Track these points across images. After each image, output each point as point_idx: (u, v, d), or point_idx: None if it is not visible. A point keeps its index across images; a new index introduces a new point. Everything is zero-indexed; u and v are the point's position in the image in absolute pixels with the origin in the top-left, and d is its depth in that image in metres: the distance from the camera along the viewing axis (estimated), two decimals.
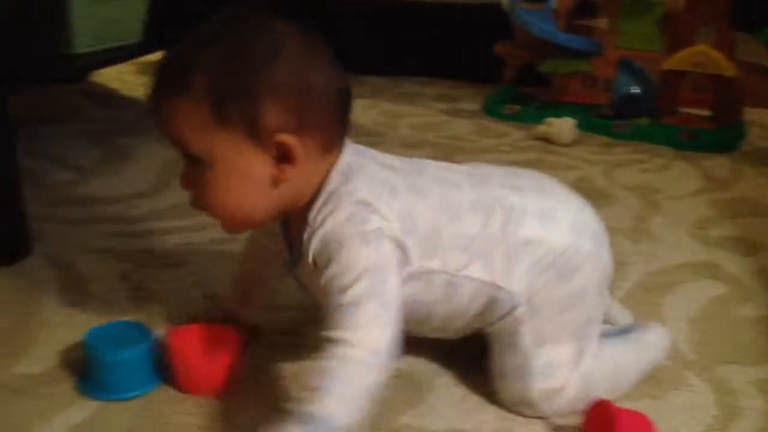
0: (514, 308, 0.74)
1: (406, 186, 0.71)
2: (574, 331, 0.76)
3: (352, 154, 0.71)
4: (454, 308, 0.75)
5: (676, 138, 1.70)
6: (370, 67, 2.27)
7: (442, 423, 0.77)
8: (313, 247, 0.67)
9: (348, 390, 0.61)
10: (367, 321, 0.64)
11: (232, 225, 0.71)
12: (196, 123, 0.64)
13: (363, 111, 1.98)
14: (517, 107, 1.91)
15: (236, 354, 0.81)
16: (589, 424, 0.73)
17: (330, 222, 0.66)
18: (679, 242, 1.22)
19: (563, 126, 1.71)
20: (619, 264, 0.98)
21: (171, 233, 1.18)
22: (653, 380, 0.84)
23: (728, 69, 1.65)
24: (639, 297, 1.03)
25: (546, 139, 1.72)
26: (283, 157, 0.66)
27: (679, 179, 1.52)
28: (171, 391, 0.80)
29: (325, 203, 0.68)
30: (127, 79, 2.13)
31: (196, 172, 0.67)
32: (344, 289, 0.64)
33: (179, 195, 1.34)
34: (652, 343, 0.84)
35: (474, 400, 0.81)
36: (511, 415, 0.78)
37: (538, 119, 1.77)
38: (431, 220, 0.71)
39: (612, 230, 0.85)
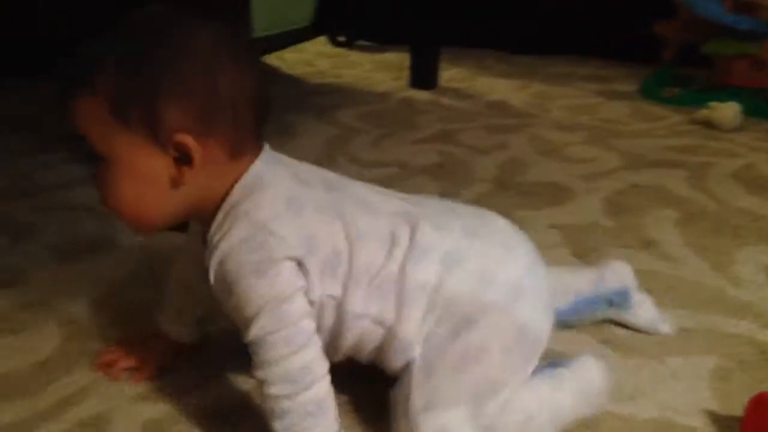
0: (408, 361, 0.69)
1: (314, 206, 0.67)
2: (469, 395, 0.67)
3: (264, 164, 0.67)
4: (346, 340, 0.69)
5: None
6: (520, 45, 2.27)
7: None
8: (212, 269, 0.65)
9: (290, 422, 0.64)
10: (276, 357, 0.64)
11: (135, 225, 0.68)
12: (98, 122, 0.63)
13: (514, 92, 1.98)
14: (677, 90, 1.85)
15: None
16: (749, 418, 0.72)
17: (225, 244, 0.64)
18: None
19: (727, 111, 1.64)
20: None
21: None
22: None
23: None
24: None
25: (707, 124, 1.66)
26: (183, 158, 0.64)
27: None
28: None
29: (223, 220, 0.65)
30: (287, 57, 2.23)
31: (103, 170, 0.66)
32: (247, 325, 0.64)
33: (345, 171, 1.41)
34: (586, 381, 0.73)
35: None
36: None
37: (699, 103, 1.71)
38: (334, 244, 0.66)
39: None
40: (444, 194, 1.30)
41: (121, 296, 0.96)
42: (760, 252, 1.07)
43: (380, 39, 2.50)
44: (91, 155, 0.66)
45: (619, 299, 0.87)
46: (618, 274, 0.88)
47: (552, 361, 0.74)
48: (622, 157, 1.48)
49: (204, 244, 0.67)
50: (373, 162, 1.47)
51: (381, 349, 0.70)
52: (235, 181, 0.66)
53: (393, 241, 0.68)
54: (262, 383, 0.65)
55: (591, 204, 1.25)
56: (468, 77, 2.14)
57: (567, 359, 0.74)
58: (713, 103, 1.66)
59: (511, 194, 1.31)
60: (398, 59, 2.28)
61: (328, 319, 0.68)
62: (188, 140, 0.63)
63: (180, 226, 0.73)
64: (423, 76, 1.99)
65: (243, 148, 0.66)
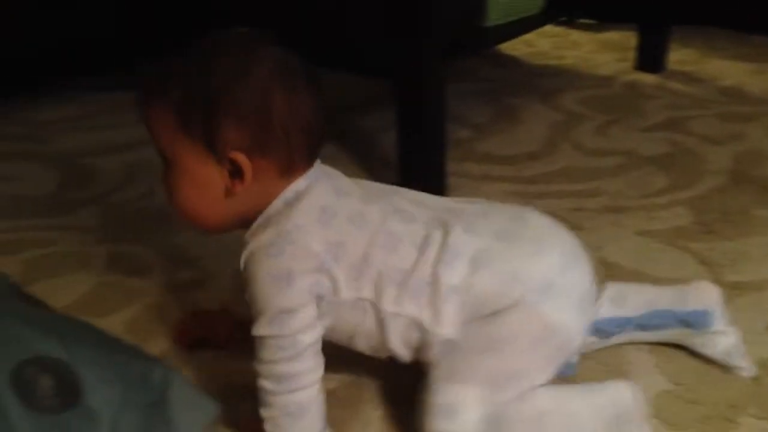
0: (441, 345, 0.72)
1: (347, 215, 0.71)
2: (487, 378, 0.70)
3: (306, 179, 0.72)
4: (386, 338, 0.73)
5: None
6: (757, 24, 2.12)
7: None
8: (241, 262, 0.71)
9: (271, 413, 0.71)
10: (268, 358, 0.70)
11: (195, 225, 0.75)
12: (166, 130, 0.70)
13: (750, 76, 1.88)
14: None
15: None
16: None
17: (253, 245, 0.70)
18: None
19: None
20: None
21: (563, 197, 1.28)
22: None
23: None
24: None
25: None
26: (236, 173, 0.70)
27: None
28: None
29: (259, 225, 0.71)
30: None
31: (167, 172, 0.73)
32: (256, 318, 0.70)
33: (569, 159, 1.43)
34: (613, 402, 0.71)
35: None
36: None
37: None
38: (363, 250, 0.71)
39: None
40: (674, 187, 1.29)
41: None
42: None
43: (603, 16, 2.44)
44: None
45: (696, 321, 0.83)
46: (702, 295, 0.84)
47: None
48: None
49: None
50: (597, 150, 1.47)
51: (422, 347, 0.73)
52: (280, 196, 0.72)
53: (425, 244, 0.71)
54: (255, 371, 0.71)
55: None
56: (698, 60, 2.05)
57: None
58: None
59: (748, 190, 1.26)
60: (622, 39, 2.22)
61: (369, 320, 0.72)
62: (241, 158, 0.69)
63: None
64: (650, 58, 1.93)
65: (294, 168, 0.71)
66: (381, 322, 0.72)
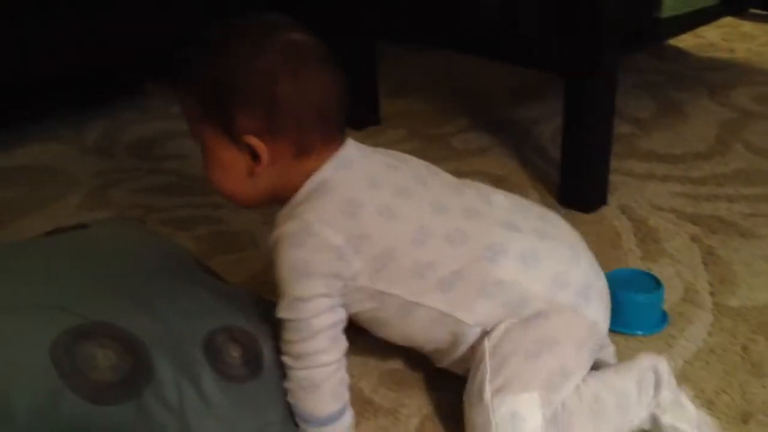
0: (480, 351, 0.73)
1: (376, 207, 0.73)
2: (543, 380, 0.71)
3: (334, 168, 0.74)
4: (413, 330, 0.77)
5: None
6: None
7: None
8: (269, 242, 0.74)
9: (290, 385, 0.75)
10: (286, 338, 0.74)
11: (231, 202, 0.79)
12: (192, 114, 0.75)
13: None
14: None
15: None
16: None
17: (278, 232, 0.73)
18: None
19: None
20: None
21: (735, 200, 1.21)
22: None
23: None
24: None
25: None
26: (253, 155, 0.73)
27: None
28: None
29: (284, 214, 0.74)
30: None
31: (202, 153, 0.77)
32: (279, 300, 0.74)
33: (742, 160, 1.35)
34: (645, 367, 0.75)
35: None
36: None
37: None
38: (389, 244, 0.72)
39: None
40: None
41: None
42: None
43: None
44: None
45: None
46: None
47: None
48: None
49: None
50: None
51: (451, 338, 0.75)
52: (306, 177, 0.74)
53: (460, 239, 0.73)
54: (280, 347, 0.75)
55: None
56: None
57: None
58: None
59: None
60: None
61: (390, 310, 0.75)
62: (255, 142, 0.72)
63: None
64: None
65: (309, 149, 0.74)
66: (404, 310, 0.75)
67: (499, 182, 1.29)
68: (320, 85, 0.73)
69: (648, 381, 0.75)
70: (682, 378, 0.85)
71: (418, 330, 0.77)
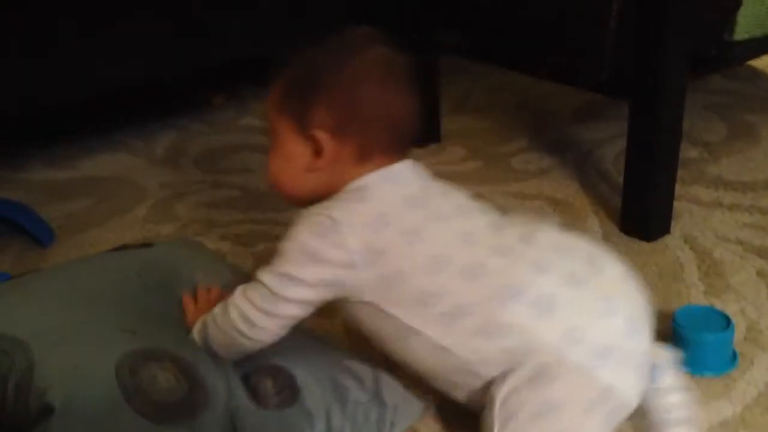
0: (489, 396, 0.70)
1: (402, 228, 0.74)
2: None
3: (380, 178, 0.77)
4: (412, 359, 0.76)
5: None
6: None
7: None
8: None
9: (216, 321, 0.79)
10: (253, 300, 0.75)
11: (279, 194, 0.83)
12: (274, 105, 0.80)
13: None
14: None
15: None
16: None
17: (310, 210, 0.76)
18: None
19: None
20: None
21: None
22: None
23: None
24: None
25: None
26: (317, 151, 0.76)
27: None
28: None
29: (321, 204, 0.77)
30: None
31: (270, 146, 0.81)
32: (270, 263, 0.75)
33: None
34: None
35: None
36: None
37: None
38: (401, 267, 0.73)
39: None
40: None
41: None
42: None
43: None
44: None
45: None
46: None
47: None
48: None
49: None
50: None
51: (453, 379, 0.74)
52: (353, 180, 0.77)
53: (478, 274, 0.71)
54: (235, 297, 0.78)
55: None
56: None
57: None
58: None
59: None
60: None
61: (389, 329, 0.75)
62: (323, 136, 0.76)
63: None
64: None
65: (370, 156, 0.77)
66: (400, 335, 0.75)
67: (558, 206, 1.28)
68: (400, 99, 0.78)
69: None
70: (741, 424, 0.82)
71: (416, 359, 0.76)
